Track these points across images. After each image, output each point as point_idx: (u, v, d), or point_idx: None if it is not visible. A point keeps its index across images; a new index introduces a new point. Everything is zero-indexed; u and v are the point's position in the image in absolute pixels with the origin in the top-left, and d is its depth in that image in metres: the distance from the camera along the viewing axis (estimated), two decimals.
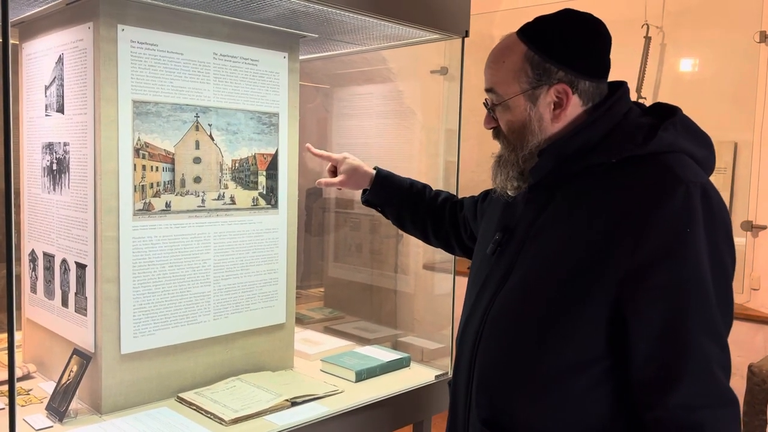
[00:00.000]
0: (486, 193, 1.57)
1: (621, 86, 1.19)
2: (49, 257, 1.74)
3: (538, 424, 1.11)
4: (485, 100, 1.24)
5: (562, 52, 1.13)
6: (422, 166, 4.03)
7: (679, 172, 1.04)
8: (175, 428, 1.48)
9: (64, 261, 1.67)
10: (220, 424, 1.51)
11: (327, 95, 3.49)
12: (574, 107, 1.16)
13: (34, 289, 1.83)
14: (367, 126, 3.21)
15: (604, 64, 1.17)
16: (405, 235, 3.95)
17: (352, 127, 3.22)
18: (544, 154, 1.16)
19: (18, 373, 1.76)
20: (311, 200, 3.73)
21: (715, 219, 1.02)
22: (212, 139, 1.70)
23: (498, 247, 1.22)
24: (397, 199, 1.71)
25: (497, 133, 1.24)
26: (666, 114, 1.14)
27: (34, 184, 1.80)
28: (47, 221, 1.73)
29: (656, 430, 1.02)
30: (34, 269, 1.83)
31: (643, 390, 1.04)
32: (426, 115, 4.06)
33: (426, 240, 1.75)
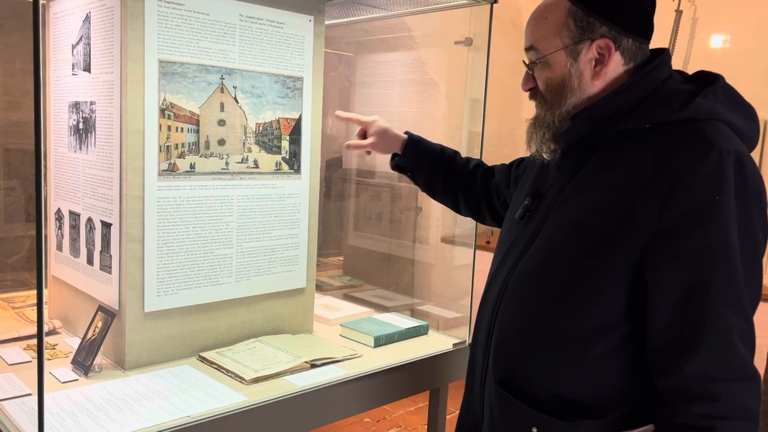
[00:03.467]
0: (520, 161, 1.56)
1: (663, 52, 1.17)
2: (75, 216, 1.76)
3: (552, 388, 1.11)
4: (524, 60, 1.22)
5: (606, 6, 1.11)
6: (444, 137, 4.00)
7: (712, 138, 1.02)
8: (196, 386, 1.51)
9: (89, 220, 1.69)
10: (241, 383, 1.53)
11: (350, 64, 3.47)
12: (616, 65, 1.13)
13: (60, 247, 1.86)
14: (390, 95, 3.19)
15: (648, 24, 1.15)
16: (424, 207, 3.94)
17: (374, 96, 3.20)
18: (577, 117, 1.14)
19: (44, 328, 1.79)
20: (331, 171, 3.73)
21: (748, 188, 1.00)
22: (237, 102, 1.70)
23: (526, 213, 1.22)
24: (428, 164, 1.70)
25: (534, 94, 1.22)
26: (708, 82, 1.11)
27: (60, 143, 1.81)
28: (73, 180, 1.75)
29: (671, 399, 1.01)
30: (60, 227, 1.85)
31: (660, 357, 1.03)
32: (449, 86, 4.02)
33: (456, 208, 1.73)
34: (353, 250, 2.79)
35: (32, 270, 2.43)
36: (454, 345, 1.90)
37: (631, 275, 1.03)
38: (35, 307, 2.04)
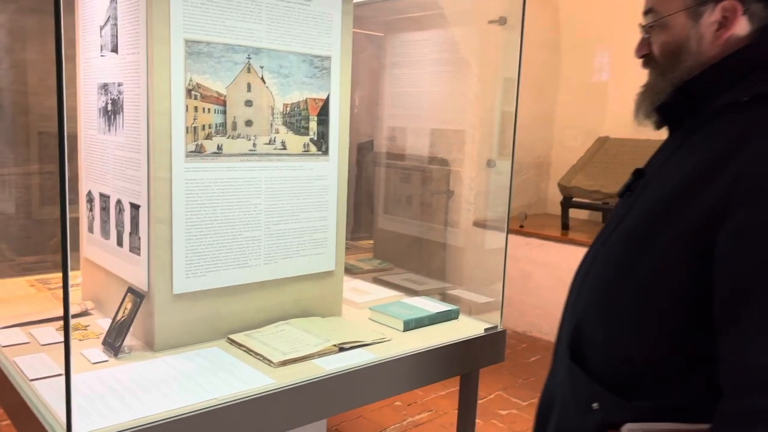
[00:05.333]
0: None
1: None
2: (105, 198, 1.77)
3: (619, 365, 1.08)
4: (640, 23, 1.18)
5: None
6: (476, 118, 3.93)
7: None
8: (224, 368, 1.50)
9: (119, 201, 1.69)
10: (269, 365, 1.52)
11: (380, 44, 3.41)
12: (740, 29, 1.06)
13: (91, 229, 1.87)
14: (419, 74, 3.13)
15: None
16: (456, 190, 3.88)
17: (403, 76, 3.15)
18: (675, 91, 1.10)
19: (76, 309, 1.82)
20: (362, 154, 3.70)
21: None
22: (264, 82, 1.67)
23: (626, 191, 1.19)
24: None
25: (648, 61, 1.17)
26: None
27: (90, 125, 1.82)
28: (103, 162, 1.76)
29: (729, 386, 0.95)
30: (91, 209, 1.86)
31: (722, 344, 0.97)
32: (482, 66, 3.94)
33: None
34: (384, 234, 2.76)
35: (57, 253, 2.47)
36: (486, 330, 1.86)
37: (701, 254, 0.98)
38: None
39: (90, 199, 1.86)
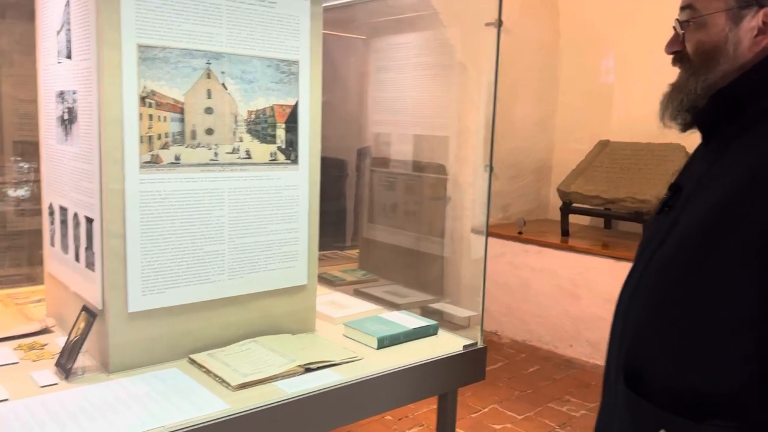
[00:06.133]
0: None
1: None
2: (64, 210, 1.69)
3: (682, 387, 1.00)
4: (676, 19, 1.13)
5: None
6: (470, 123, 3.83)
7: None
8: (180, 391, 1.42)
9: (75, 215, 1.62)
10: (227, 388, 1.44)
11: (370, 48, 3.33)
12: None
13: (52, 243, 1.79)
14: (406, 79, 3.04)
15: None
16: (451, 198, 3.77)
17: (389, 81, 3.06)
18: (712, 98, 1.06)
19: (36, 327, 1.74)
20: (360, 160, 3.62)
21: None
22: (225, 88, 1.59)
23: (664, 207, 1.14)
24: None
25: (679, 58, 1.12)
26: None
27: (50, 134, 1.75)
28: (61, 173, 1.68)
29: None
30: (52, 222, 1.79)
31: None
32: (477, 69, 3.85)
33: None
34: (369, 243, 2.68)
35: (33, 265, 2.40)
36: (465, 347, 1.76)
37: (753, 275, 0.93)
38: (35, 304, 2.00)
39: (51, 212, 1.79)
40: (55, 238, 1.77)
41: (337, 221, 3.80)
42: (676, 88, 1.12)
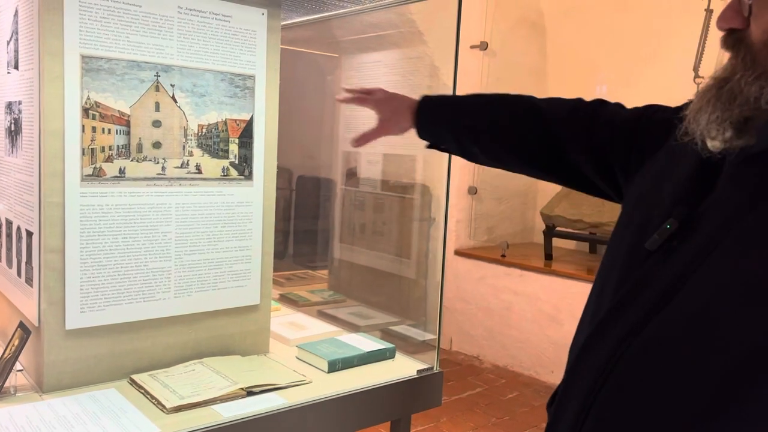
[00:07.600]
0: (668, 122, 0.93)
1: None
2: (9, 223, 1.65)
3: None
4: None
5: None
6: None
7: None
8: (111, 413, 1.36)
9: (18, 228, 1.57)
10: (162, 410, 1.38)
11: (337, 64, 3.31)
12: None
13: None
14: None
15: None
16: (434, 218, 3.73)
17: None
18: None
19: None
20: (345, 179, 3.58)
21: None
22: (175, 101, 1.56)
23: (668, 242, 0.80)
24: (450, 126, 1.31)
25: (735, 41, 0.78)
26: None
27: (0, 147, 1.71)
28: (7, 186, 1.64)
29: None
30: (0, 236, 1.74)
31: None
32: (461, 91, 3.83)
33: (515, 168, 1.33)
34: (340, 263, 2.63)
35: None
36: (419, 372, 1.71)
37: None
38: None
39: None
40: (1, 252, 1.72)
41: (323, 240, 3.76)
42: (723, 87, 0.77)
